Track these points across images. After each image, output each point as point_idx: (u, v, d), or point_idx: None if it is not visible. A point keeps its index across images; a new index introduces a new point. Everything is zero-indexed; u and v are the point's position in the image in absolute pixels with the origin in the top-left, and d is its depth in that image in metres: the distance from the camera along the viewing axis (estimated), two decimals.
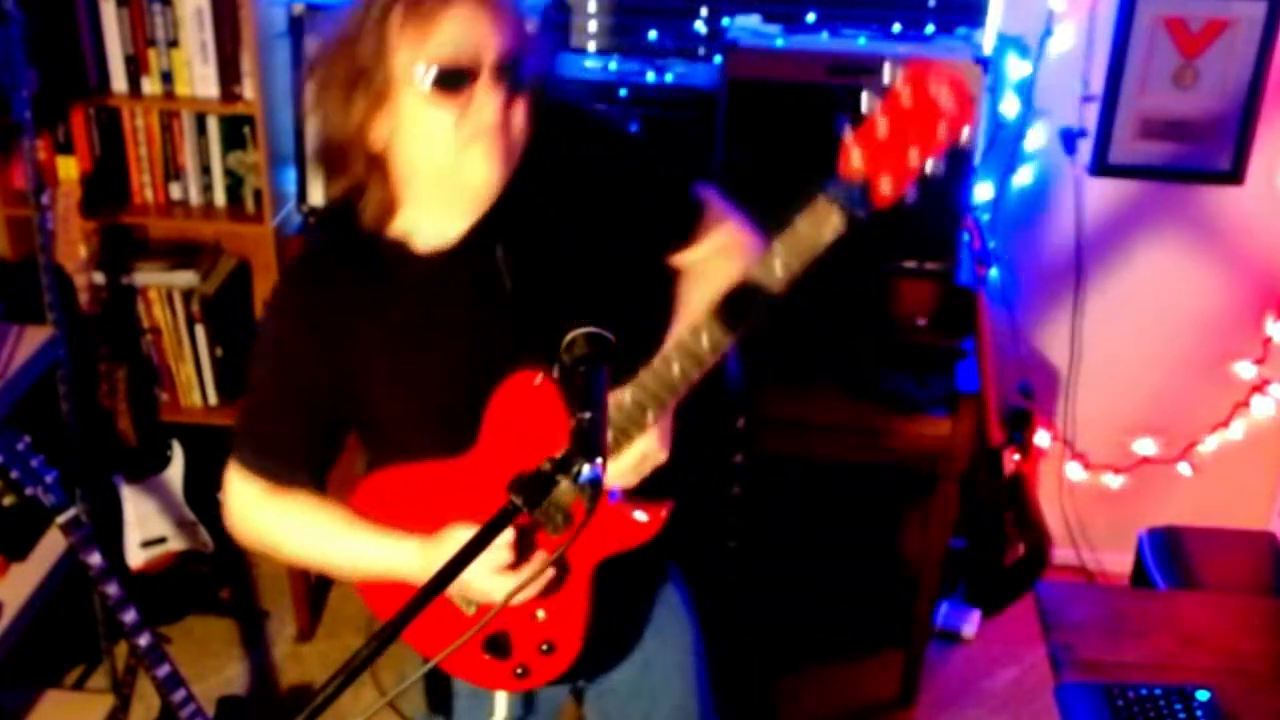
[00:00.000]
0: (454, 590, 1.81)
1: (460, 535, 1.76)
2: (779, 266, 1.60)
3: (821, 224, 1.58)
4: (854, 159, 1.50)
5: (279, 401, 1.87)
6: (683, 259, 1.93)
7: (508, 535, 1.77)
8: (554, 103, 1.79)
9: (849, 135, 1.49)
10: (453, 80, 1.64)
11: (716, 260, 1.89)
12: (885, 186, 1.50)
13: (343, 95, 1.67)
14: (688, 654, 2.14)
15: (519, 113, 1.70)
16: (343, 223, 1.80)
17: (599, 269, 1.83)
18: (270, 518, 1.92)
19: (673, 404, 1.72)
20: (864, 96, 1.48)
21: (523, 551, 1.81)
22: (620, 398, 1.72)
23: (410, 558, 1.83)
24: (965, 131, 1.48)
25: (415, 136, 1.68)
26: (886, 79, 1.48)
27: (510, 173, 1.71)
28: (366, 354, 1.81)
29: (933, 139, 1.48)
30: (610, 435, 1.71)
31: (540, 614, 1.91)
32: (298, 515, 1.90)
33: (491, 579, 1.79)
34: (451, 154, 1.67)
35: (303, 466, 1.89)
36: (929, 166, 1.49)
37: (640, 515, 1.84)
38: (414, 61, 1.64)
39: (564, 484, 1.61)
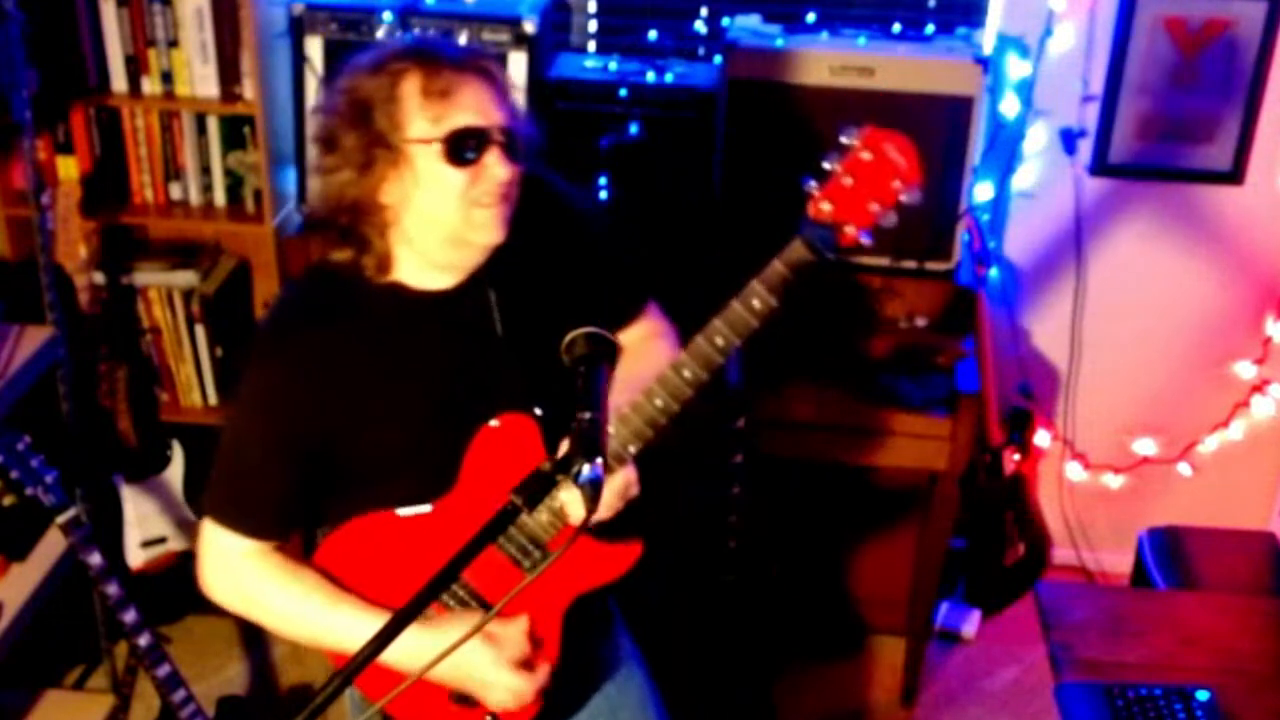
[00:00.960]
0: (451, 673, 1.85)
1: (459, 628, 1.77)
2: (756, 304, 1.75)
3: (795, 261, 1.75)
4: (824, 208, 1.73)
5: (262, 455, 1.86)
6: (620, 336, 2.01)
7: (521, 628, 1.88)
8: (542, 185, 1.94)
9: (814, 188, 1.73)
10: (467, 148, 1.74)
11: (650, 341, 2.04)
12: (850, 231, 1.73)
13: (359, 160, 1.75)
14: (646, 696, 2.16)
15: (516, 176, 1.80)
16: (328, 272, 1.84)
17: (571, 323, 1.88)
18: (250, 574, 1.89)
19: (653, 438, 1.79)
20: (826, 159, 1.72)
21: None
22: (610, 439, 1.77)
23: (403, 639, 1.78)
24: (916, 190, 1.73)
25: (428, 198, 1.76)
26: (846, 140, 1.72)
27: (506, 234, 1.81)
28: (355, 395, 1.82)
29: (889, 192, 1.72)
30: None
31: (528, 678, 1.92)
32: (279, 578, 1.88)
33: (497, 672, 1.85)
34: (461, 215, 1.76)
35: (281, 522, 1.88)
36: (883, 216, 1.72)
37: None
38: (431, 129, 1.73)
39: (541, 516, 1.81)
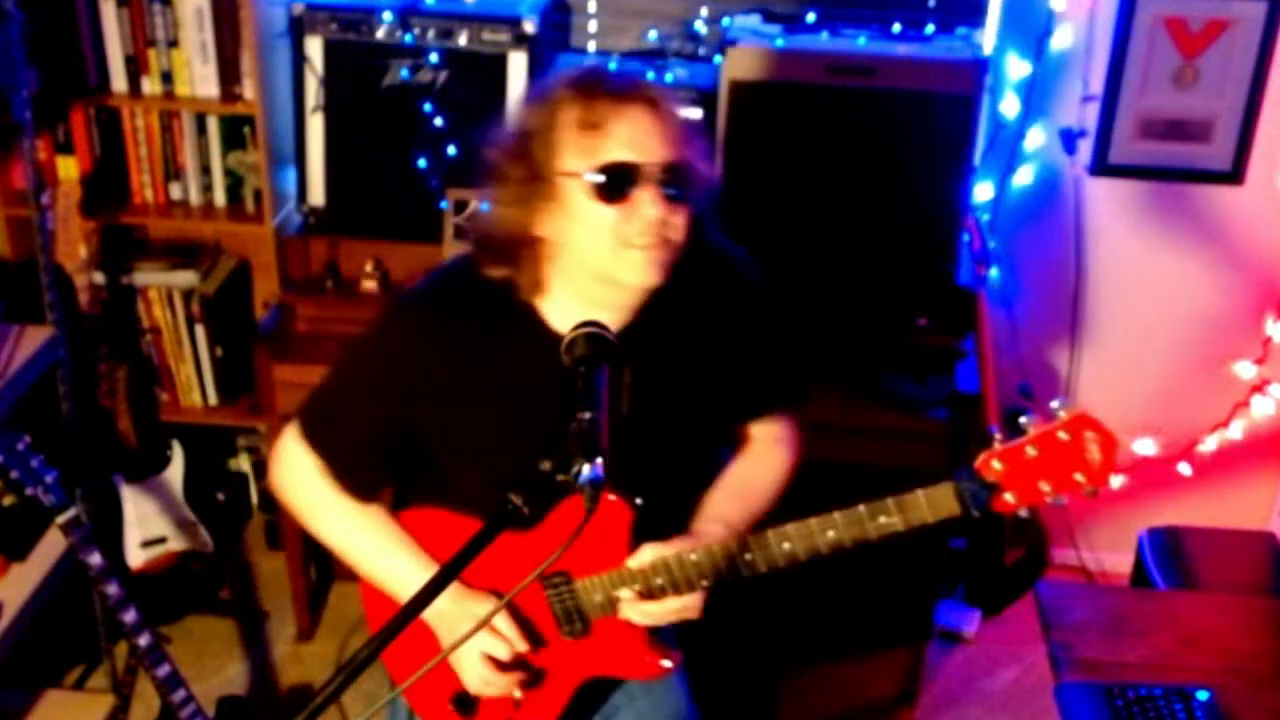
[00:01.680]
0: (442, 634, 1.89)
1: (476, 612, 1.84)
2: (882, 522, 1.72)
3: (937, 505, 1.69)
4: (994, 466, 1.64)
5: (362, 409, 1.89)
6: (747, 428, 2.05)
7: (516, 635, 1.88)
8: (719, 247, 1.88)
9: (998, 443, 1.64)
10: (617, 183, 1.69)
11: (772, 447, 2.06)
12: (1009, 499, 1.66)
13: (517, 191, 1.74)
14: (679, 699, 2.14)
15: (677, 223, 1.73)
16: (486, 281, 1.83)
17: (697, 414, 1.93)
18: (320, 490, 1.93)
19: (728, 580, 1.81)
20: (1025, 418, 1.65)
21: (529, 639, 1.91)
22: (684, 552, 1.80)
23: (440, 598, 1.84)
24: (1096, 490, 1.65)
25: (580, 234, 1.72)
26: (1056, 408, 1.64)
27: (662, 279, 1.75)
28: (462, 399, 1.83)
29: (1068, 482, 1.65)
30: (662, 580, 1.81)
31: (517, 694, 1.95)
32: (344, 502, 1.93)
33: (477, 661, 1.87)
34: (611, 253, 1.71)
35: (354, 465, 1.93)
36: (1052, 499, 1.66)
37: (664, 661, 1.94)
38: (582, 163, 1.69)
39: (596, 597, 1.83)
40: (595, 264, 1.73)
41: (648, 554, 1.81)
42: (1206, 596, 2.83)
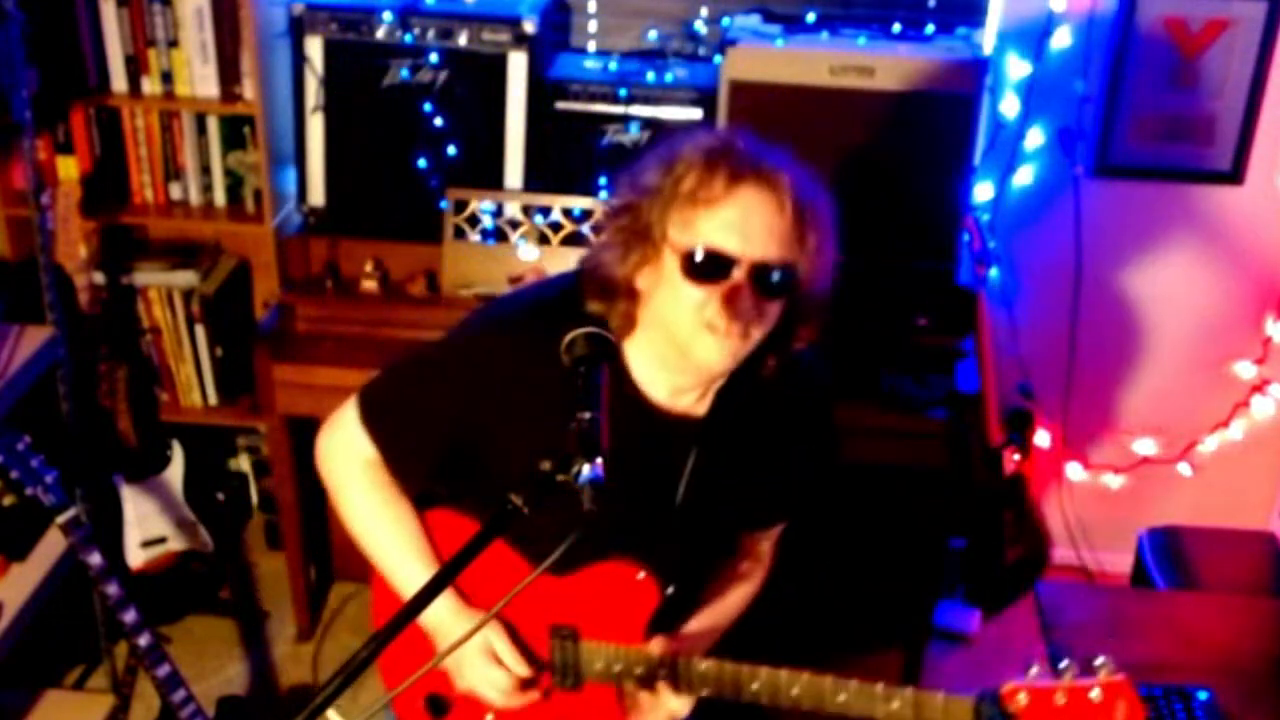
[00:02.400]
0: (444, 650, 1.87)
1: (473, 654, 1.86)
2: (895, 708, 1.72)
3: (952, 714, 1.70)
4: (1020, 700, 1.61)
5: (431, 408, 1.88)
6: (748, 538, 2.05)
7: (521, 667, 1.89)
8: (808, 362, 1.86)
9: (1032, 676, 1.61)
10: (709, 268, 1.66)
11: (756, 571, 2.06)
12: None
13: (624, 242, 1.72)
14: None
15: (764, 316, 1.70)
16: (588, 319, 1.78)
17: (745, 515, 1.96)
18: (359, 473, 1.93)
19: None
20: (1066, 661, 1.61)
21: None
22: (696, 661, 1.80)
23: (440, 608, 1.87)
24: None
25: (667, 300, 1.70)
26: (1100, 666, 1.60)
27: (731, 366, 1.74)
28: (532, 428, 1.76)
29: None
30: (665, 673, 1.81)
31: (489, 718, 1.97)
32: (378, 494, 1.93)
33: (484, 675, 1.88)
34: (690, 328, 1.69)
35: (411, 465, 1.93)
36: None
37: None
38: (684, 235, 1.67)
39: (596, 664, 1.84)
40: (674, 332, 1.72)
41: (658, 646, 1.83)
42: (1206, 596, 2.83)
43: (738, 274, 1.65)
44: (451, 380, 1.85)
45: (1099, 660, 1.58)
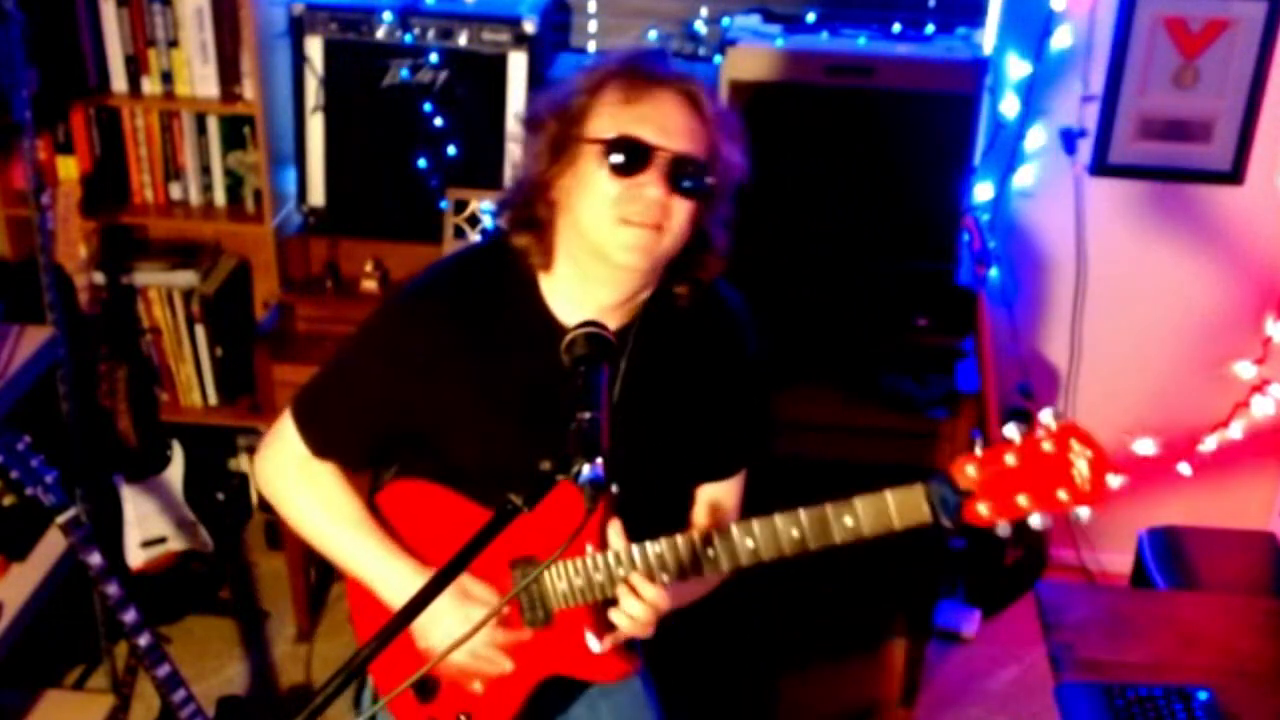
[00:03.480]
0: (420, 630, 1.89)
1: (459, 614, 1.85)
2: (848, 522, 1.65)
3: (906, 509, 1.61)
4: (968, 471, 1.53)
5: (355, 394, 1.90)
6: (706, 491, 2.01)
7: (496, 637, 1.87)
8: (729, 301, 1.90)
9: (978, 448, 1.52)
10: (626, 157, 1.71)
11: (722, 515, 1.99)
12: (982, 510, 1.53)
13: (544, 146, 1.76)
14: (643, 702, 2.13)
15: (679, 217, 1.74)
16: (498, 260, 1.85)
17: (670, 444, 1.92)
18: (296, 479, 1.96)
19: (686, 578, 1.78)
20: (1011, 425, 1.51)
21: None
22: (648, 544, 1.78)
23: (400, 580, 1.88)
24: (1084, 511, 1.50)
25: (584, 200, 1.74)
26: (1044, 419, 1.50)
27: (647, 264, 1.76)
28: (463, 388, 1.84)
29: (1049, 498, 1.50)
30: (625, 571, 1.79)
31: (477, 685, 1.95)
32: (321, 488, 1.95)
33: (465, 615, 1.86)
34: (608, 226, 1.72)
35: (345, 453, 1.95)
36: (1034, 519, 1.52)
37: (593, 643, 1.89)
38: (603, 128, 1.72)
39: (560, 585, 1.81)
40: (591, 234, 1.74)
41: (616, 539, 1.80)
42: (1206, 596, 2.83)
43: (654, 166, 1.70)
44: (370, 362, 1.89)
45: (1047, 412, 1.50)
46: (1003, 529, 1.54)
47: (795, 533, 1.69)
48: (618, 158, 1.71)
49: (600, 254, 1.74)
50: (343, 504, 1.96)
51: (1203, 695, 2.18)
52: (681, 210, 1.73)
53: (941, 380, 3.05)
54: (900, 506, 1.62)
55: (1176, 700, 2.17)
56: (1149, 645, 2.38)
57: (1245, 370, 3.54)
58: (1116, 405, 3.60)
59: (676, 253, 1.78)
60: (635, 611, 1.78)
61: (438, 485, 1.93)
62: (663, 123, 1.71)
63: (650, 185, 1.70)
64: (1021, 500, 1.51)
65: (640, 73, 1.74)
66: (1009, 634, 3.53)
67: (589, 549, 1.81)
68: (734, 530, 1.74)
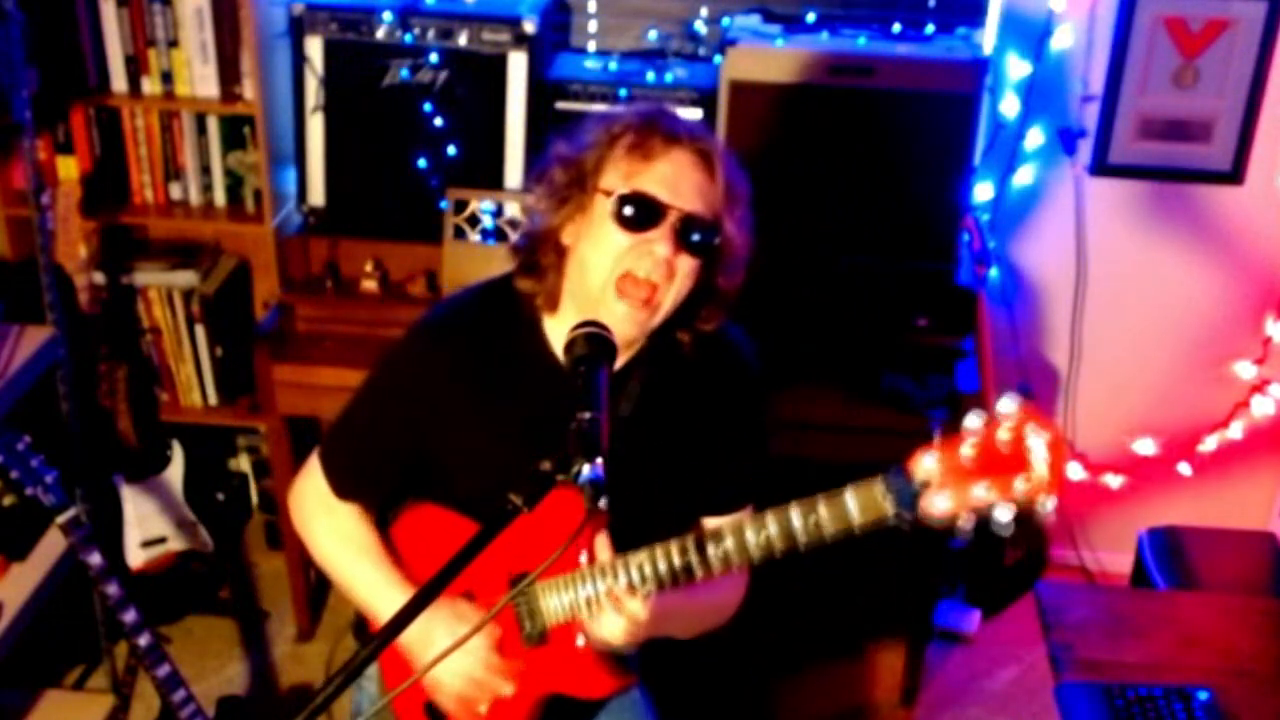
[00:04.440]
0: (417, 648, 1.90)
1: (451, 631, 1.86)
2: (811, 524, 1.64)
3: (866, 506, 1.60)
4: (925, 463, 1.50)
5: (374, 433, 1.97)
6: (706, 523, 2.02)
7: (493, 661, 1.90)
8: (732, 340, 1.92)
9: (936, 439, 1.50)
10: (638, 212, 1.74)
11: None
12: (940, 502, 1.50)
13: (557, 195, 1.80)
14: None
15: (682, 272, 1.77)
16: (505, 301, 1.89)
17: (668, 485, 1.94)
18: (322, 518, 2.04)
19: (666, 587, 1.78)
20: (971, 416, 1.47)
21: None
22: (630, 555, 1.79)
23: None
24: (1046, 502, 1.46)
25: (591, 248, 1.77)
26: (1001, 407, 1.47)
27: (638, 334, 1.81)
28: (470, 425, 1.89)
29: (1007, 488, 1.47)
30: (610, 582, 1.80)
31: (482, 709, 1.96)
32: (342, 528, 2.02)
33: (454, 675, 1.89)
34: (607, 279, 1.76)
35: (373, 492, 2.02)
36: (997, 512, 1.47)
37: (580, 639, 1.89)
38: (617, 181, 1.75)
39: (551, 600, 1.82)
40: (591, 286, 1.78)
41: (603, 552, 1.82)
42: (1206, 596, 2.83)
43: (665, 223, 1.73)
44: (385, 402, 1.95)
45: (1004, 400, 1.47)
46: (965, 522, 1.50)
47: (764, 536, 1.69)
48: (629, 211, 1.74)
49: (595, 306, 1.78)
50: (363, 543, 2.02)
51: (1203, 695, 2.18)
52: (686, 266, 1.77)
53: (941, 380, 3.05)
54: (860, 503, 1.62)
55: (1176, 700, 2.17)
56: (1149, 645, 2.38)
57: (1245, 370, 3.54)
58: (1116, 405, 3.60)
59: (678, 307, 1.81)
60: (613, 625, 1.79)
61: (450, 512, 1.96)
62: (676, 182, 1.74)
63: (659, 242, 1.74)
64: (979, 491, 1.48)
65: (658, 130, 1.76)
66: (1009, 634, 3.53)
67: (583, 562, 1.83)
68: (707, 539, 1.74)
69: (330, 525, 2.04)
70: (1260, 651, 2.38)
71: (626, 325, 1.77)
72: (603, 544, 1.81)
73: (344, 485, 2.01)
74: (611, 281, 1.75)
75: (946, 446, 1.49)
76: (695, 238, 1.75)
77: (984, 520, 1.50)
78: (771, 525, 1.68)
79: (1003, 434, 1.47)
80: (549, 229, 1.81)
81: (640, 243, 1.74)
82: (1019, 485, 1.47)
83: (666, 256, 1.74)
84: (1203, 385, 3.57)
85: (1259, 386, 3.54)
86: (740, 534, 1.71)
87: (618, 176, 1.75)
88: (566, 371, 1.69)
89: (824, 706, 3.36)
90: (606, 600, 1.80)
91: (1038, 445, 1.46)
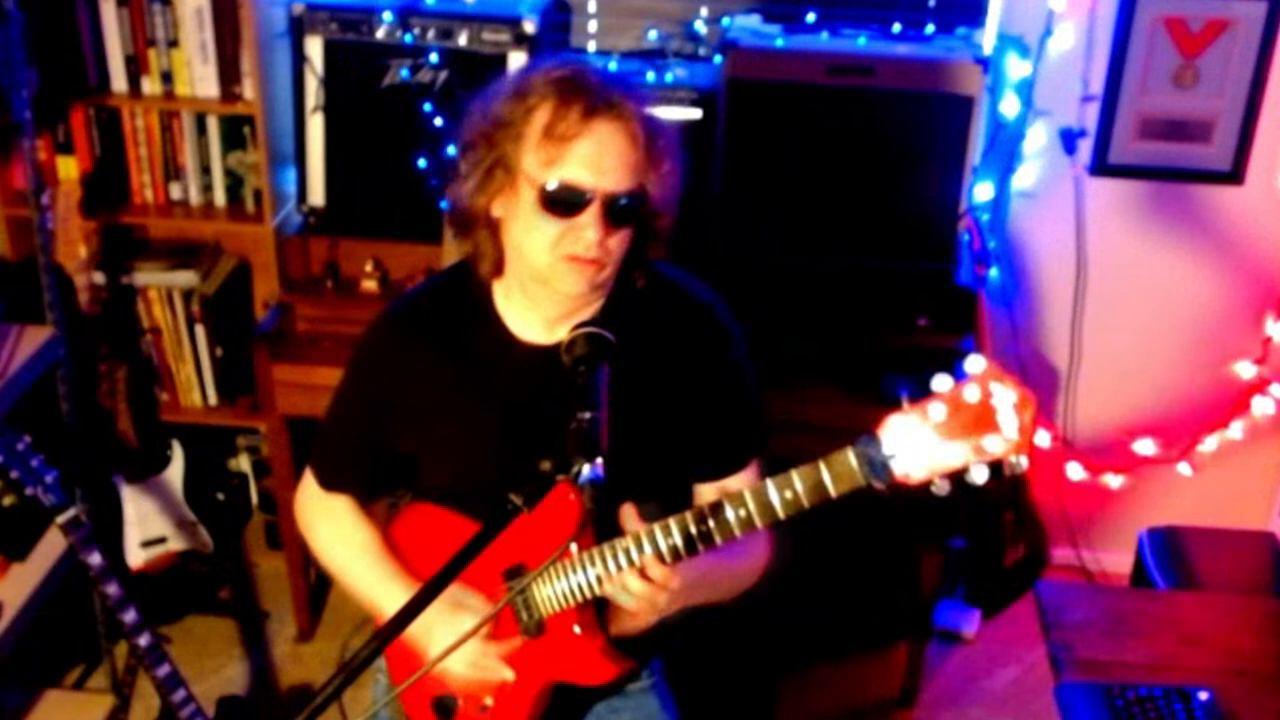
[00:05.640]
0: (420, 636, 1.90)
1: (450, 625, 1.86)
2: (789, 497, 1.62)
3: (839, 475, 1.58)
4: (894, 430, 1.49)
5: (349, 424, 2.02)
6: (704, 488, 1.99)
7: (491, 649, 1.90)
8: (694, 294, 1.90)
9: (905, 404, 1.49)
10: (563, 203, 1.73)
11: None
12: (914, 468, 1.49)
13: (482, 172, 1.78)
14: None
15: (617, 246, 1.77)
16: (459, 283, 1.91)
17: (655, 446, 1.90)
18: (320, 516, 2.07)
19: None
20: (938, 378, 1.47)
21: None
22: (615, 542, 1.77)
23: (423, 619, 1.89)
24: (1019, 460, 1.46)
25: (522, 231, 1.77)
26: (967, 368, 1.46)
27: (597, 293, 1.83)
28: (434, 402, 1.90)
29: (979, 448, 1.46)
30: (599, 572, 1.77)
31: (488, 700, 1.97)
32: (336, 523, 2.05)
33: (457, 628, 1.85)
34: (549, 261, 1.76)
35: (356, 481, 2.05)
36: (971, 473, 1.47)
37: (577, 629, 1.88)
38: (540, 172, 1.72)
39: (545, 590, 1.81)
40: (534, 263, 1.78)
41: (630, 520, 1.79)
42: (1206, 596, 2.83)
43: (594, 206, 1.72)
44: (354, 389, 2.00)
45: (970, 359, 1.46)
46: (939, 487, 1.50)
47: (742, 512, 1.67)
48: (555, 202, 1.73)
49: (544, 281, 1.79)
50: (357, 538, 2.04)
51: (1203, 695, 2.18)
52: (620, 239, 1.77)
53: (941, 380, 3.04)
54: (834, 474, 1.60)
55: (1176, 700, 2.17)
56: (1149, 645, 2.38)
57: (1245, 370, 3.54)
58: (1116, 405, 3.60)
59: (619, 269, 1.82)
60: (635, 587, 1.75)
61: (447, 510, 1.96)
62: (598, 160, 1.71)
63: (589, 227, 1.73)
64: (951, 453, 1.47)
65: (574, 102, 1.71)
66: (1009, 634, 3.53)
67: (573, 551, 1.80)
68: (687, 515, 1.71)
69: (330, 526, 2.06)
70: (1260, 651, 2.38)
71: (579, 285, 1.78)
72: (630, 514, 1.77)
73: (328, 477, 2.05)
74: (555, 261, 1.76)
75: (915, 411, 1.48)
76: (624, 212, 1.74)
77: (959, 479, 1.50)
78: (750, 502, 1.66)
79: (970, 394, 1.46)
80: (477, 207, 1.80)
81: (570, 229, 1.73)
82: (989, 444, 1.45)
83: (598, 238, 1.73)
84: (1203, 385, 3.57)
85: (1259, 386, 3.54)
86: (720, 512, 1.67)
87: (538, 162, 1.72)
88: (522, 351, 1.75)
89: (824, 706, 3.36)
90: (630, 575, 1.75)
91: (1005, 403, 1.44)
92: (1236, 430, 3.59)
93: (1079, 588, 3.45)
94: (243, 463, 3.81)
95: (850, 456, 1.56)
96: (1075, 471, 3.67)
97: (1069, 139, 3.30)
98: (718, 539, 1.69)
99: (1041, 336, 3.56)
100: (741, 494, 1.67)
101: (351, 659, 1.39)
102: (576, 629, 1.88)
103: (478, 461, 1.90)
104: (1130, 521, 3.44)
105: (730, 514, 1.67)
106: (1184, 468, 3.64)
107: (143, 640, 2.57)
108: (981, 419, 1.45)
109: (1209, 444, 3.62)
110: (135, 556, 3.26)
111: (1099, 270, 3.45)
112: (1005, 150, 3.32)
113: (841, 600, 3.54)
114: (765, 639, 3.47)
